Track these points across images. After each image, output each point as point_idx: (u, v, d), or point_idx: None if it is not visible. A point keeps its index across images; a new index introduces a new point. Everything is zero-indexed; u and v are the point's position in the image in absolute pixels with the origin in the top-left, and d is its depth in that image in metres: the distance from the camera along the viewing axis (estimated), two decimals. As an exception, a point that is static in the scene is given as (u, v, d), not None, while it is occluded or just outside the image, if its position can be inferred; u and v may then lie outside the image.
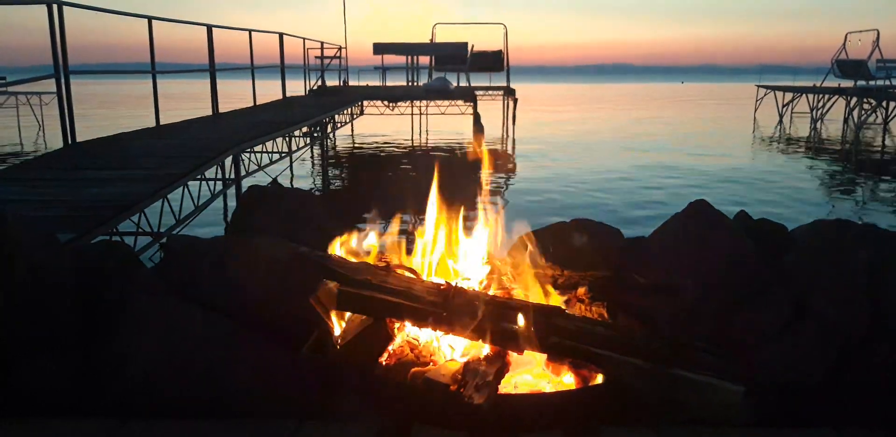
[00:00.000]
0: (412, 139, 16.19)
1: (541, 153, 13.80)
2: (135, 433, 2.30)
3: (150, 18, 7.44)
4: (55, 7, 5.86)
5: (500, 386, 1.42)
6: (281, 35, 11.92)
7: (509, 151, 14.46)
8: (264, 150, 8.09)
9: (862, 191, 10.14)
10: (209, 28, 8.92)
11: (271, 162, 8.26)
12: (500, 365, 1.42)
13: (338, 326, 1.60)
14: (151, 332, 2.50)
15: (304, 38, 14.10)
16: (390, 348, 1.55)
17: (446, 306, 1.48)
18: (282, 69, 12.38)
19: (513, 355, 1.51)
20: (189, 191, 5.60)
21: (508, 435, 1.55)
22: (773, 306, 2.62)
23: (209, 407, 2.41)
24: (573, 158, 12.80)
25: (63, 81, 6.06)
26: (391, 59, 16.60)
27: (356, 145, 15.31)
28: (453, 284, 1.58)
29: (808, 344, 2.52)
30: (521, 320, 1.48)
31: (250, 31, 10.43)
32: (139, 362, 2.44)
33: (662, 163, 12.20)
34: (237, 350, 2.48)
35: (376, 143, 15.67)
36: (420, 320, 1.50)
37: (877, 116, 18.67)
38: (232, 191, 6.80)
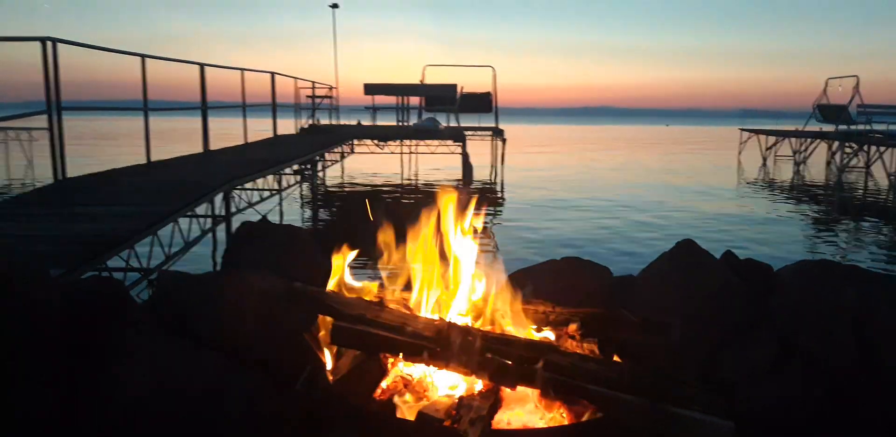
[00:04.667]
0: (402, 178, 16.29)
1: (530, 193, 13.92)
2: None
3: (143, 56, 7.53)
4: (49, 44, 5.93)
5: (493, 422, 1.43)
6: (273, 74, 12.07)
7: (498, 191, 14.57)
8: (255, 187, 8.12)
9: (845, 234, 10.26)
10: (202, 67, 9.03)
11: (262, 199, 8.29)
12: (493, 400, 1.43)
13: (331, 361, 1.61)
14: (141, 367, 2.49)
15: (295, 78, 14.28)
16: (384, 383, 1.56)
17: (440, 342, 1.50)
18: (273, 108, 12.50)
19: (506, 391, 1.52)
20: (179, 227, 5.60)
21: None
22: (759, 344, 2.65)
23: (197, 443, 2.39)
24: (562, 199, 12.90)
25: (55, 117, 6.10)
26: (382, 99, 16.81)
27: (346, 184, 15.39)
28: (447, 320, 1.60)
29: (795, 382, 2.55)
30: (513, 354, 1.50)
31: (242, 70, 10.56)
32: (129, 397, 2.42)
33: (649, 204, 12.32)
34: (227, 386, 2.47)
35: (367, 181, 15.76)
36: (414, 355, 1.52)
37: (858, 160, 19.00)
38: (222, 228, 6.80)
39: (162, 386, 2.45)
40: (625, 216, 10.74)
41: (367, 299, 1.76)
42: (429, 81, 17.13)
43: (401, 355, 1.54)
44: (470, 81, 16.96)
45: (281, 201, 9.92)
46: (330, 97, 16.32)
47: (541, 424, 1.48)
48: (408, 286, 1.87)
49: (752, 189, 15.68)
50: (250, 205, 7.85)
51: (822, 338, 2.66)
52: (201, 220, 6.28)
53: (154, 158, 8.10)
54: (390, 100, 16.82)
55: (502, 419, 1.49)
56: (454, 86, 15.96)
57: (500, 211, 11.50)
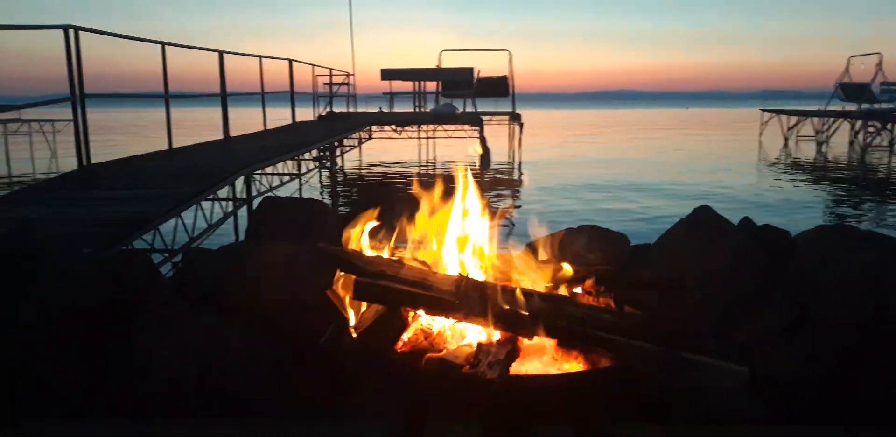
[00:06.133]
0: (419, 163, 16.36)
1: (548, 174, 13.94)
2: (155, 432, 2.36)
3: (163, 44, 7.61)
4: (71, 32, 6.02)
5: (511, 372, 1.47)
6: (290, 61, 12.12)
7: (516, 173, 14.62)
8: (275, 172, 8.20)
9: (867, 212, 10.17)
10: (221, 54, 9.10)
11: (282, 184, 8.37)
12: (511, 348, 1.48)
13: (354, 318, 1.67)
14: (171, 338, 2.56)
15: (313, 65, 14.33)
16: (405, 336, 1.61)
17: (459, 295, 1.55)
18: (291, 94, 12.57)
19: (524, 343, 1.57)
20: (203, 210, 5.70)
21: (521, 426, 1.61)
22: (777, 308, 2.67)
23: (226, 408, 2.46)
24: (580, 178, 12.91)
25: (79, 103, 6.19)
26: (399, 86, 16.82)
27: (364, 168, 15.49)
28: (465, 275, 1.65)
29: (812, 345, 2.56)
30: (530, 306, 1.54)
31: (261, 57, 10.63)
32: (159, 367, 2.50)
33: (668, 182, 12.30)
34: (255, 355, 2.54)
35: (385, 166, 15.84)
36: (434, 308, 1.57)
37: (882, 139, 18.75)
38: (243, 212, 6.89)
39: (192, 357, 2.53)
40: (644, 194, 10.75)
41: (386, 257, 1.81)
42: (445, 66, 17.10)
43: (421, 308, 1.59)
44: (486, 67, 16.87)
45: (301, 186, 10.00)
46: (347, 84, 16.35)
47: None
48: (424, 247, 1.92)
49: (773, 169, 15.56)
50: (271, 189, 7.93)
51: (840, 302, 2.67)
52: (223, 203, 6.37)
53: (175, 146, 8.20)
54: (407, 86, 16.82)
55: (520, 370, 1.53)
56: (471, 69, 15.92)
57: (518, 191, 11.57)
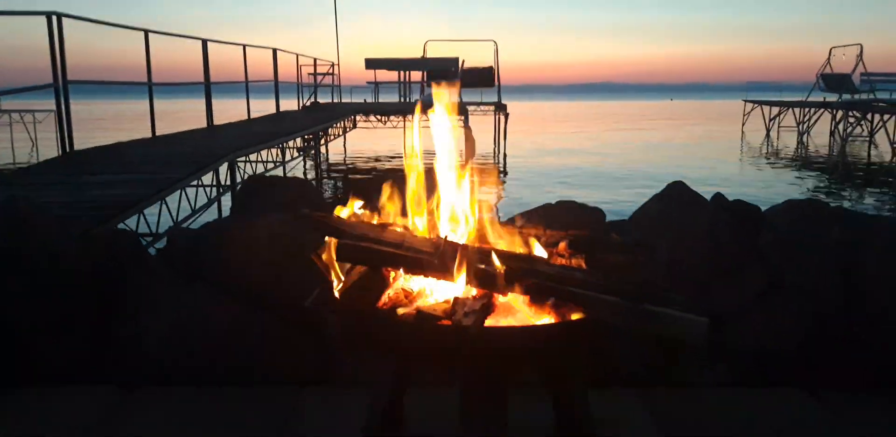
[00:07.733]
0: (404, 152, 16.42)
1: (532, 164, 14.03)
2: (146, 399, 2.44)
3: (146, 31, 7.61)
4: (55, 18, 6.02)
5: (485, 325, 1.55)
6: (274, 50, 12.12)
7: (501, 162, 14.72)
8: (259, 159, 8.23)
9: (844, 198, 10.34)
10: (204, 42, 9.10)
11: (266, 171, 8.40)
12: (486, 301, 1.55)
13: (337, 281, 1.74)
14: (162, 310, 2.62)
15: (297, 54, 14.32)
16: (386, 295, 1.68)
17: (437, 255, 1.62)
18: (275, 83, 12.57)
19: (499, 300, 1.64)
20: (187, 195, 5.73)
21: (498, 387, 1.69)
22: (749, 278, 2.76)
23: (215, 376, 2.54)
24: (562, 167, 13.02)
25: (62, 90, 6.20)
26: (383, 75, 16.82)
27: (348, 158, 15.52)
28: (443, 237, 1.72)
29: (783, 313, 2.66)
30: (503, 264, 1.62)
31: (244, 45, 10.63)
32: (151, 338, 2.56)
33: (650, 169, 12.42)
34: (241, 323, 2.61)
35: (369, 155, 15.89)
36: (413, 268, 1.64)
37: (862, 129, 18.97)
38: (227, 198, 6.92)
39: (183, 329, 2.59)
40: (624, 181, 10.87)
41: (369, 223, 1.88)
42: (430, 56, 17.11)
43: (401, 268, 1.66)
44: (472, 58, 16.88)
45: (285, 173, 10.04)
46: (332, 74, 16.34)
47: (532, 330, 1.59)
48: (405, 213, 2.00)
49: (755, 159, 15.73)
50: (255, 176, 7.96)
51: (810, 273, 2.76)
52: (207, 189, 6.40)
53: (159, 134, 8.21)
54: (392, 76, 16.83)
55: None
56: (456, 59, 15.96)
57: (502, 177, 11.68)
